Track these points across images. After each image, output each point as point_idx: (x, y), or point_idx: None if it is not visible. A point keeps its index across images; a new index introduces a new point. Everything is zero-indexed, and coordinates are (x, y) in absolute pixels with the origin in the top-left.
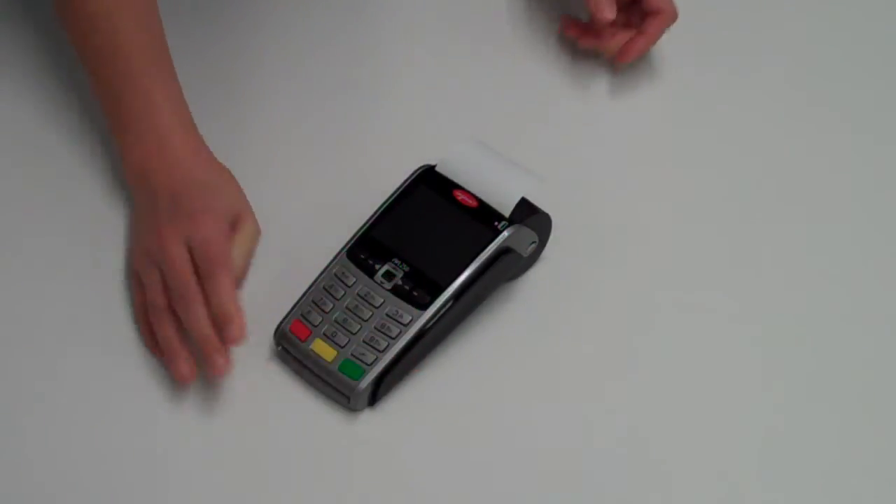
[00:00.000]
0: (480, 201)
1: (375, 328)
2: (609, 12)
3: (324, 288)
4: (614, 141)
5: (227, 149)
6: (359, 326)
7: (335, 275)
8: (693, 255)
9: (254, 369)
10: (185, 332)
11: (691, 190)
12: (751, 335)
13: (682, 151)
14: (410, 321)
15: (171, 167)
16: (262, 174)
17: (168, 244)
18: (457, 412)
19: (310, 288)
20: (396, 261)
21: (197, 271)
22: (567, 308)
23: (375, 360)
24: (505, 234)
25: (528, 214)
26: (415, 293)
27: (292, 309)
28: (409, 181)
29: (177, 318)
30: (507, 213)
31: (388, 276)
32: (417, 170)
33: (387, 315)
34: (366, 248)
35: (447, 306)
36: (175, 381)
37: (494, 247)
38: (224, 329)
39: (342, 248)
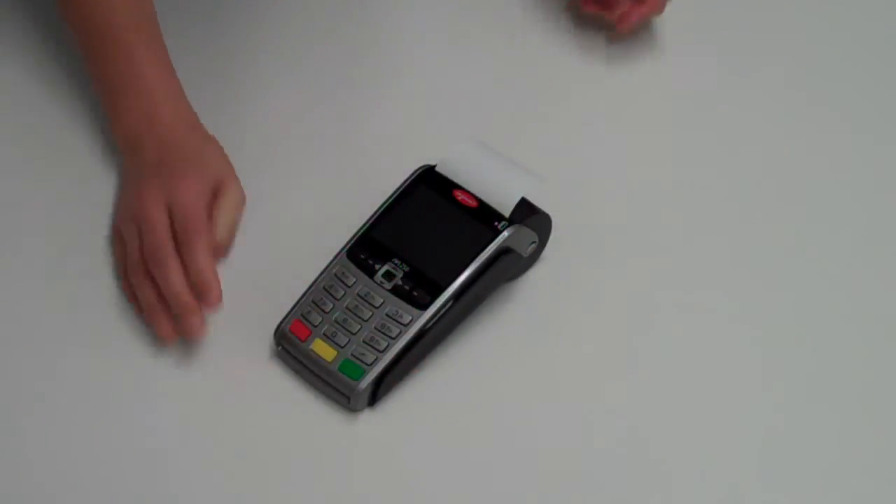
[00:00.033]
0: (480, 201)
1: (375, 328)
2: None
3: (324, 288)
4: (614, 141)
5: (227, 148)
6: (359, 326)
7: (335, 275)
8: (693, 255)
9: (254, 369)
10: None
11: (691, 190)
12: (751, 335)
13: (682, 151)
14: (410, 321)
15: (159, 134)
16: (262, 174)
17: (148, 205)
18: (457, 412)
19: (310, 288)
20: (396, 261)
21: (175, 236)
22: (567, 308)
23: (375, 360)
24: (505, 234)
25: (528, 214)
26: (415, 293)
27: (292, 309)
28: (409, 181)
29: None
30: (507, 213)
31: (388, 276)
32: (417, 170)
33: (387, 315)
34: (366, 248)
35: (447, 306)
36: (158, 341)
37: (494, 247)
38: (201, 296)
39: (342, 248)
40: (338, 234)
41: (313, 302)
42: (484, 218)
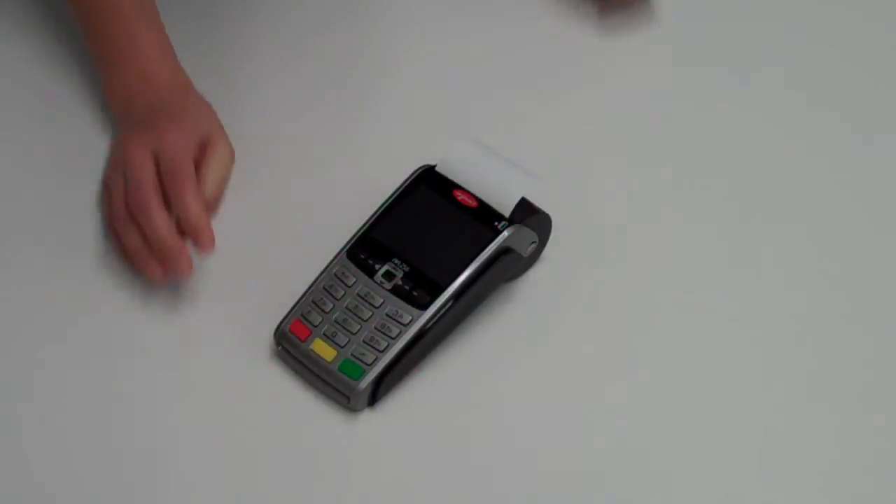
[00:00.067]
0: (480, 201)
1: (375, 328)
2: None
3: (324, 288)
4: (614, 141)
5: None
6: (359, 326)
7: (335, 275)
8: (693, 255)
9: (254, 369)
10: None
11: (691, 190)
12: (751, 335)
13: (682, 151)
14: (410, 321)
15: (152, 93)
16: (262, 174)
17: (133, 153)
18: (457, 412)
19: (310, 288)
20: (396, 261)
21: (163, 185)
22: (567, 308)
23: (375, 360)
24: (505, 234)
25: (528, 214)
26: (415, 293)
27: (292, 309)
28: (409, 181)
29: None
30: (507, 213)
31: (388, 276)
32: (417, 170)
33: (387, 315)
34: (366, 248)
35: (447, 306)
36: (150, 284)
37: (494, 247)
38: (194, 239)
39: (342, 248)
40: (338, 234)
41: (313, 302)
42: (484, 218)
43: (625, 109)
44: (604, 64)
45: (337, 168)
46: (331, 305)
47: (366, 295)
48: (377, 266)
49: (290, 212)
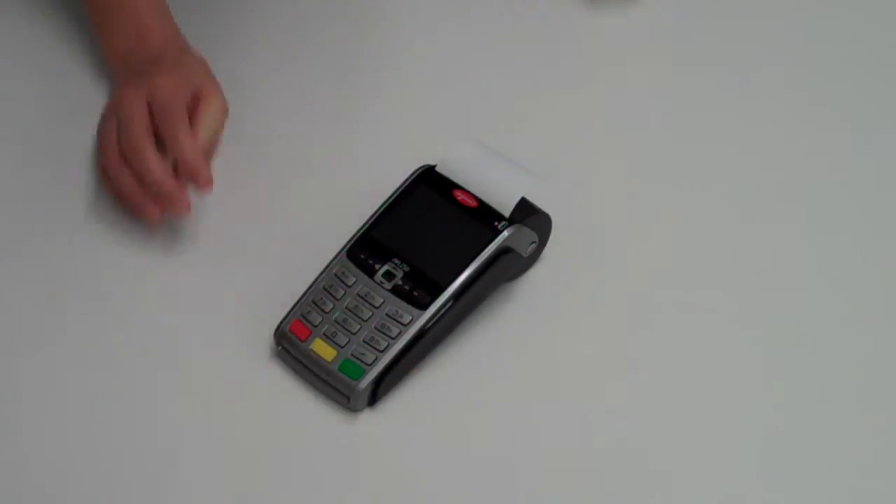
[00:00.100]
0: (480, 201)
1: (375, 328)
2: None
3: (324, 288)
4: (614, 141)
5: (226, 147)
6: (359, 326)
7: (335, 275)
8: (693, 255)
9: (254, 369)
10: None
11: (691, 190)
12: (751, 335)
13: (681, 151)
14: (410, 321)
15: (148, 50)
16: (261, 174)
17: (126, 101)
18: (457, 412)
19: (310, 288)
20: (396, 261)
21: (156, 130)
22: (567, 308)
23: (375, 360)
24: (505, 234)
25: (528, 214)
26: (415, 293)
27: (292, 309)
28: (409, 181)
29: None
30: (507, 213)
31: (388, 276)
32: (417, 170)
33: (387, 315)
34: (366, 248)
35: (447, 306)
36: (147, 228)
37: (494, 247)
38: (191, 178)
39: (342, 248)
40: (338, 234)
41: (313, 302)
42: (484, 218)
43: (625, 109)
44: (604, 64)
45: (337, 168)
46: (331, 305)
47: (366, 295)
48: (377, 266)
49: (290, 212)
